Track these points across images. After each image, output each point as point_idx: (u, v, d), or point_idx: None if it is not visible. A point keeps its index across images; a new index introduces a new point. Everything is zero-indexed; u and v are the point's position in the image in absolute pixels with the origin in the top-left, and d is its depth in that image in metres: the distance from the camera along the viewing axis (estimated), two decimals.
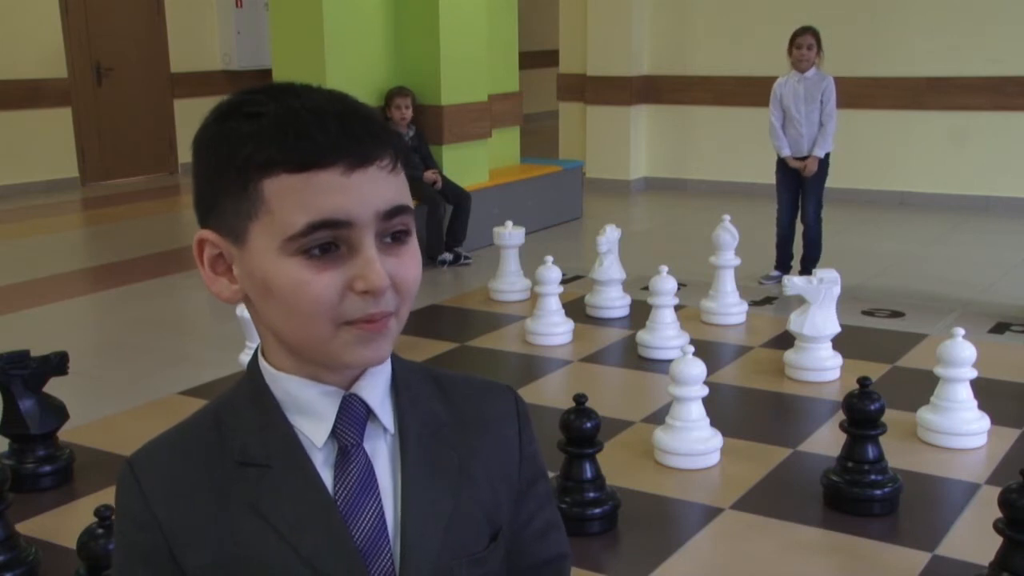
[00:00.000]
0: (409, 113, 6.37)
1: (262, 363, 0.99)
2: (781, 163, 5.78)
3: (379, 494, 0.97)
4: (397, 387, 1.01)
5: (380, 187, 0.92)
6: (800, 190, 5.75)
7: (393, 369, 1.02)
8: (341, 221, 0.89)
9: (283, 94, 0.94)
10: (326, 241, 0.90)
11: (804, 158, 5.68)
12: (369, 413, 0.98)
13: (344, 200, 0.89)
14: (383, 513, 0.97)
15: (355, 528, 0.95)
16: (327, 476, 0.96)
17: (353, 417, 0.97)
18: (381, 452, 0.99)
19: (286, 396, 0.97)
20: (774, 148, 5.78)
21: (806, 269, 5.61)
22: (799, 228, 5.80)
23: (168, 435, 1.01)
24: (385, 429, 0.99)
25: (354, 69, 6.31)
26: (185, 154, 10.28)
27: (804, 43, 5.61)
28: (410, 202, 0.95)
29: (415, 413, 1.01)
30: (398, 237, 0.94)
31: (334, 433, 0.97)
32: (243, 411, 0.98)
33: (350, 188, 0.90)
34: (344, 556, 0.94)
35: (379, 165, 0.92)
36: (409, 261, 0.94)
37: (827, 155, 5.70)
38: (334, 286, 0.90)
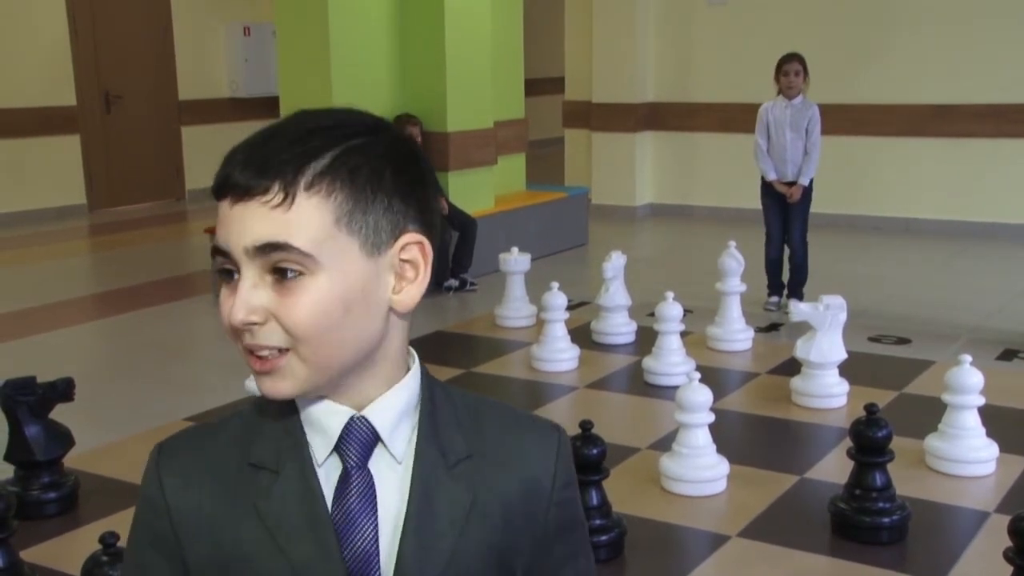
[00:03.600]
0: (417, 140, 6.40)
1: None
2: (766, 187, 5.77)
3: (377, 519, 0.96)
4: (423, 412, 0.99)
5: (254, 223, 0.90)
6: (786, 215, 5.75)
7: (425, 393, 1.00)
8: (224, 250, 0.93)
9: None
10: (225, 267, 0.94)
11: (789, 184, 5.67)
12: (377, 438, 0.97)
13: (224, 232, 0.93)
14: (378, 538, 0.96)
15: (347, 547, 0.96)
16: (329, 492, 0.97)
17: (357, 439, 0.96)
18: (389, 478, 0.97)
19: (303, 408, 0.99)
20: (760, 171, 5.78)
21: (794, 293, 5.62)
22: (785, 252, 5.78)
23: (198, 427, 1.04)
24: (394, 456, 0.98)
25: (360, 96, 6.34)
26: (192, 181, 10.34)
27: (792, 70, 5.60)
28: (300, 241, 0.89)
29: (435, 442, 0.98)
30: (280, 273, 0.91)
31: (338, 452, 0.97)
32: (268, 415, 1.00)
33: (230, 221, 0.93)
34: (332, 572, 0.95)
35: (261, 200, 0.90)
36: (292, 300, 0.90)
37: (811, 180, 5.70)
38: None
